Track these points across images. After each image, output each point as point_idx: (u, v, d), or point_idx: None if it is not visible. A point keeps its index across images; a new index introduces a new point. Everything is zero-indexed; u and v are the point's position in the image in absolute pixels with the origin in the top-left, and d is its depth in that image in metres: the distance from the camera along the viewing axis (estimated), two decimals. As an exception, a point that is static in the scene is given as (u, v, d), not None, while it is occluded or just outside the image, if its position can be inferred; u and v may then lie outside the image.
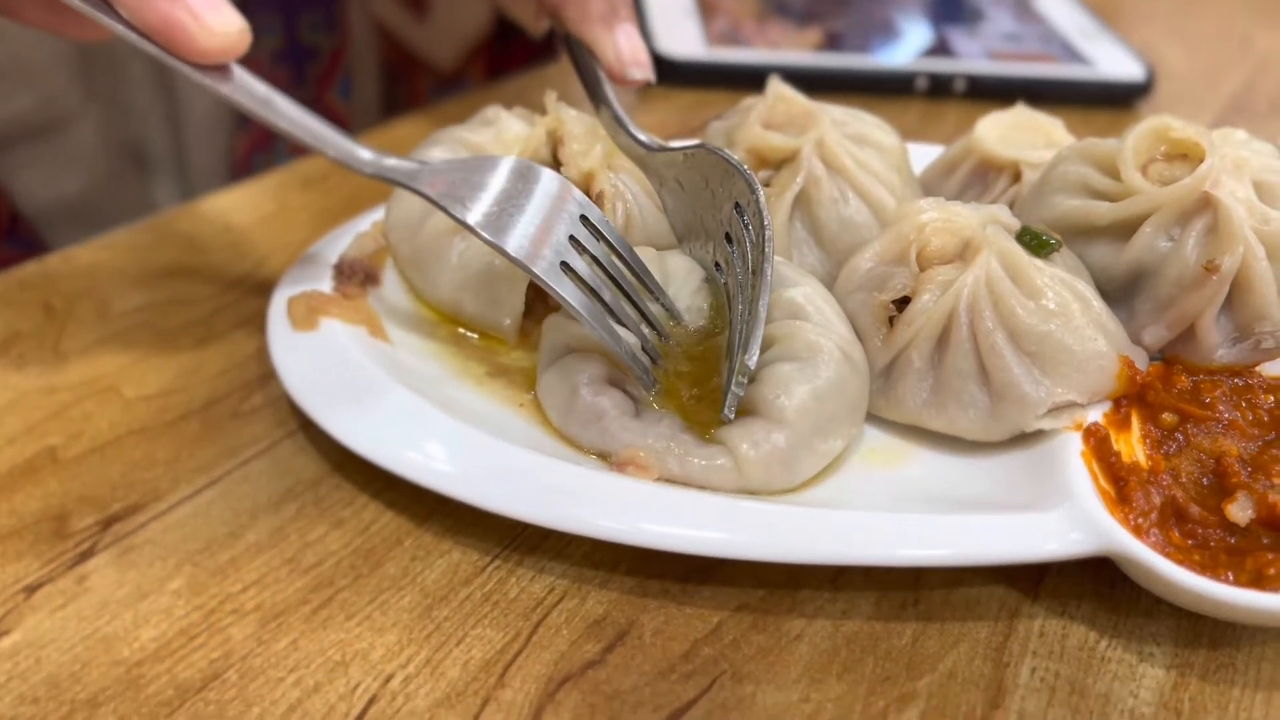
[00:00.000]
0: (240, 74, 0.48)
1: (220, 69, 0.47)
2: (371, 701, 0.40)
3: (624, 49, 0.57)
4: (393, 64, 1.02)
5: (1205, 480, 0.47)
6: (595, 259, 0.49)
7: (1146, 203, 0.51)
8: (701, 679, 0.41)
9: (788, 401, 0.46)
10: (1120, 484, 0.46)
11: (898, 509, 0.46)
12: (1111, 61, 0.96)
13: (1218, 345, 0.50)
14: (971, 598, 0.46)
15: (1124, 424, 0.49)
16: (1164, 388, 0.50)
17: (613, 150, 0.56)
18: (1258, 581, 0.41)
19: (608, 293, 0.49)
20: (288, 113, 0.49)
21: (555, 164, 0.56)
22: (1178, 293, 0.50)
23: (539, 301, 0.55)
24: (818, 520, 0.44)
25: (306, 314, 0.52)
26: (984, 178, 0.62)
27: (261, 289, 0.61)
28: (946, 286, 0.50)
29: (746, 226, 0.48)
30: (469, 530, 0.47)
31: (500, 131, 0.58)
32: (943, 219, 0.52)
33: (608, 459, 0.47)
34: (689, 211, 0.54)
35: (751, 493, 0.46)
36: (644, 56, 0.58)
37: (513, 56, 1.05)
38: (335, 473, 0.50)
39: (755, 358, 0.44)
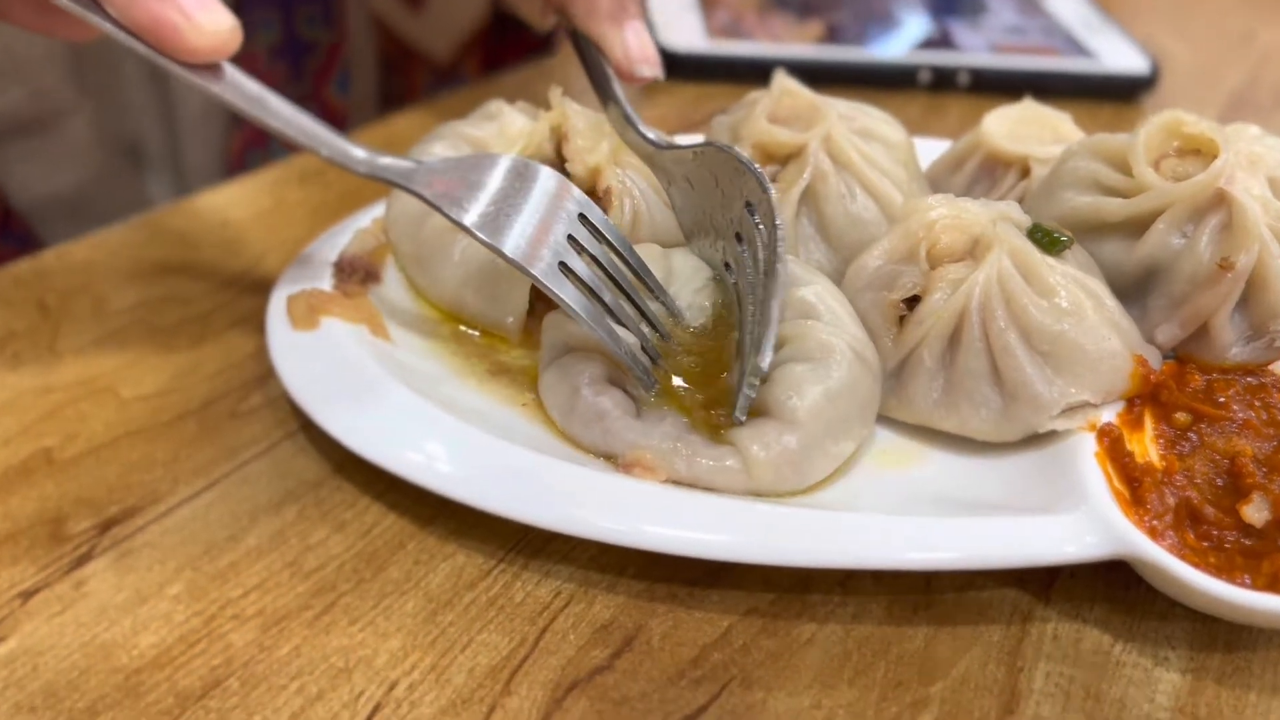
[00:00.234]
0: (232, 73, 0.47)
1: (211, 68, 0.47)
2: (376, 709, 0.39)
3: (633, 46, 0.56)
4: (389, 57, 1.01)
5: (1219, 481, 0.46)
6: (594, 258, 0.48)
7: (1159, 199, 0.50)
8: (711, 685, 0.41)
9: (799, 402, 0.45)
10: (1134, 485, 0.45)
11: (909, 511, 0.45)
12: (1115, 55, 0.95)
13: (1231, 343, 0.50)
14: (983, 601, 0.45)
15: (1137, 424, 0.48)
16: (1177, 387, 0.49)
17: (619, 146, 0.55)
18: (1274, 584, 0.41)
19: (608, 293, 0.48)
20: (280, 111, 0.48)
21: (559, 160, 0.55)
22: (1191, 290, 0.49)
23: (542, 299, 0.54)
24: (828, 523, 0.43)
25: (307, 312, 0.51)
26: (992, 173, 0.62)
27: (259, 286, 0.60)
28: (957, 285, 0.49)
29: (757, 225, 0.48)
30: (473, 533, 0.46)
31: (503, 126, 0.57)
32: (952, 216, 0.51)
33: (613, 460, 0.47)
34: (697, 209, 0.53)
35: (760, 495, 0.45)
36: (653, 53, 0.57)
37: (509, 50, 1.04)
38: (336, 474, 0.49)
39: (768, 359, 0.43)
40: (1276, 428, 0.48)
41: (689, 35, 0.94)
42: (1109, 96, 0.93)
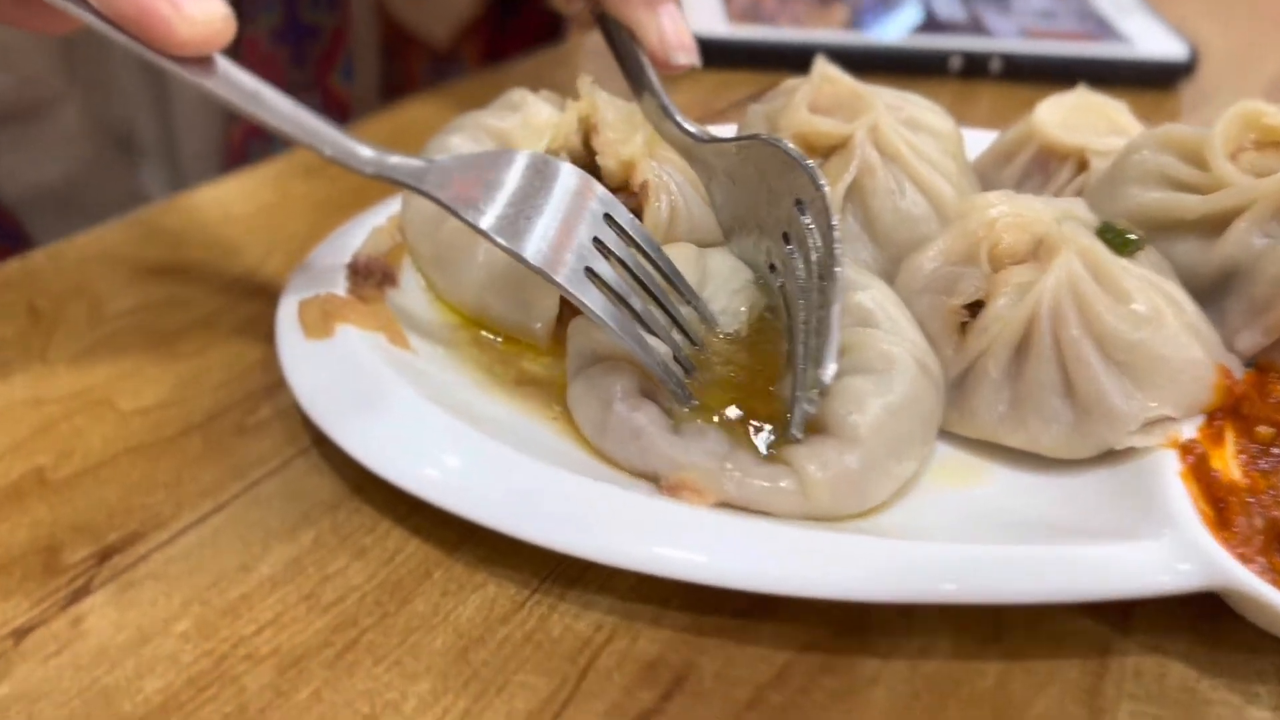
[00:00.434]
0: (225, 66, 0.44)
1: (202, 61, 0.43)
2: (406, 762, 0.36)
3: (668, 31, 0.52)
4: (387, 42, 0.97)
5: (1308, 500, 0.43)
6: (621, 261, 0.45)
7: (1240, 196, 0.47)
8: (771, 731, 0.37)
9: (860, 419, 0.41)
10: (1220, 506, 0.42)
11: (977, 536, 0.42)
12: (1151, 39, 0.92)
13: (1318, 351, 0.46)
14: (1057, 634, 0.41)
15: (1217, 439, 0.45)
16: (1259, 398, 0.45)
17: (654, 138, 0.51)
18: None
19: (636, 300, 0.44)
20: (279, 107, 0.45)
21: (589, 154, 0.52)
22: (1276, 294, 0.46)
23: (572, 304, 0.51)
24: (894, 552, 0.40)
25: (321, 320, 0.48)
26: (1045, 167, 0.58)
27: (265, 288, 0.57)
28: (1025, 289, 0.45)
29: (808, 225, 0.44)
30: (504, 560, 0.43)
31: (528, 117, 0.53)
32: (1014, 214, 0.48)
33: (654, 480, 0.43)
34: (740, 207, 0.50)
35: (816, 518, 0.42)
36: (689, 39, 0.53)
37: (511, 37, 1.00)
38: (355, 495, 0.46)
39: (832, 371, 0.40)
40: (1369, 443, 0.44)
41: (709, 19, 0.90)
42: (1145, 83, 0.89)
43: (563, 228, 0.44)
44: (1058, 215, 0.48)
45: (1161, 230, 0.49)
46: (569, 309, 0.51)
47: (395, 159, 0.46)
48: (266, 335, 0.51)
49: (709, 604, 0.41)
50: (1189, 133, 0.50)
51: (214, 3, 0.41)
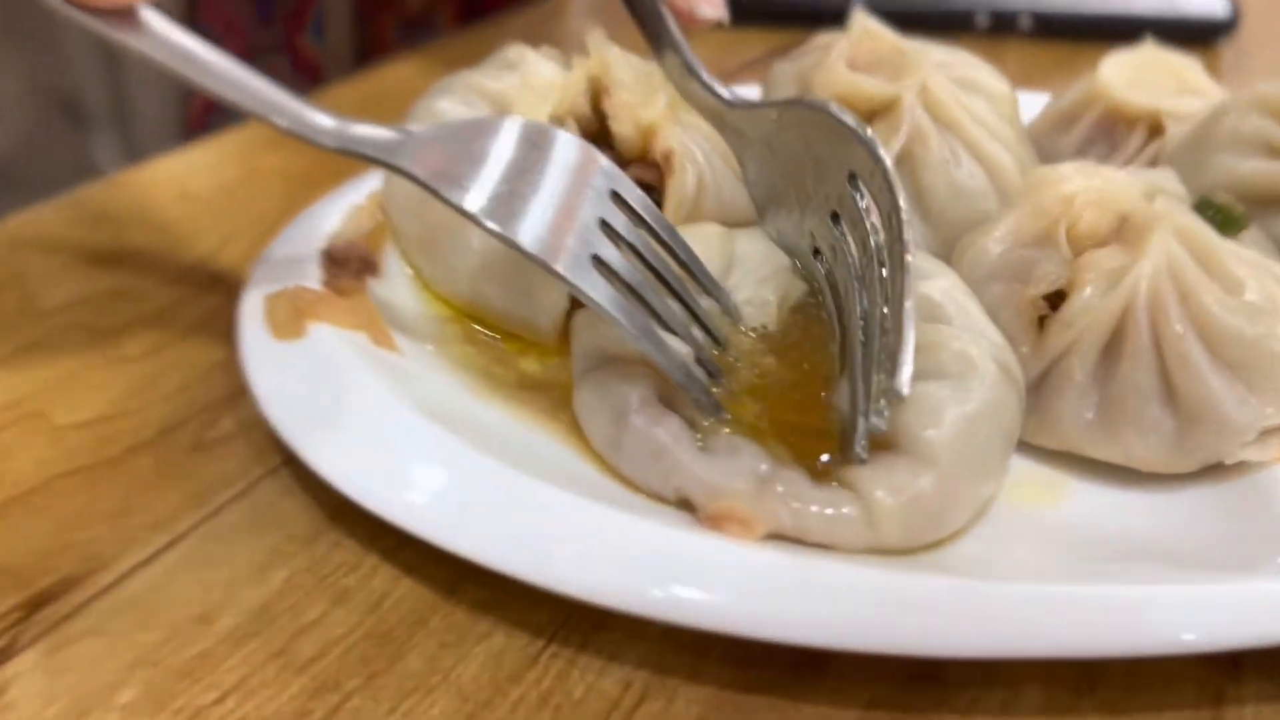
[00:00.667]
0: (154, 22, 0.39)
1: (123, 14, 0.38)
2: None
3: None
4: (356, 1, 0.90)
5: None
6: (631, 246, 0.39)
7: (1361, 164, 0.41)
8: (841, 814, 0.31)
9: (937, 433, 0.35)
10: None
11: (1070, 570, 0.36)
12: (1188, -6, 0.86)
13: None
14: (1160, 678, 0.36)
15: (1336, 449, 0.39)
16: (1381, 401, 0.39)
17: (677, 101, 0.44)
18: None
19: (651, 293, 0.39)
20: (221, 70, 0.39)
21: (599, 119, 0.45)
22: (1405, 279, 0.40)
23: (582, 295, 0.44)
24: (977, 596, 0.33)
25: (291, 317, 0.41)
26: (1111, 133, 0.52)
27: (227, 277, 0.50)
28: (1116, 277, 0.39)
29: (865, 209, 0.38)
30: (513, 603, 0.36)
31: (527, 76, 0.47)
32: (1095, 188, 0.42)
33: (685, 505, 0.37)
34: (779, 181, 0.43)
35: (883, 551, 0.36)
36: None
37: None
38: (334, 525, 0.39)
39: (908, 376, 0.33)
40: None
41: (714, -28, 0.83)
42: (1183, 41, 0.82)
43: (563, 208, 0.39)
44: (1146, 189, 0.42)
45: (1262, 205, 0.43)
46: (580, 302, 0.44)
47: (362, 129, 0.40)
48: (229, 333, 0.44)
49: (756, 655, 0.35)
50: (1293, 93, 0.44)
51: None
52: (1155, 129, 0.51)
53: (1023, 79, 0.56)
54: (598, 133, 0.46)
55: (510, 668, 0.35)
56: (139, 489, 0.40)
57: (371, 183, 0.50)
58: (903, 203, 0.36)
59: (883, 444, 0.36)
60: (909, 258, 0.35)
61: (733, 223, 0.44)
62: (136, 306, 0.50)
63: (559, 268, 0.37)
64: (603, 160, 0.41)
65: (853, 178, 0.39)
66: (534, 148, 0.40)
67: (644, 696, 0.34)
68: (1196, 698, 0.35)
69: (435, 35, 0.93)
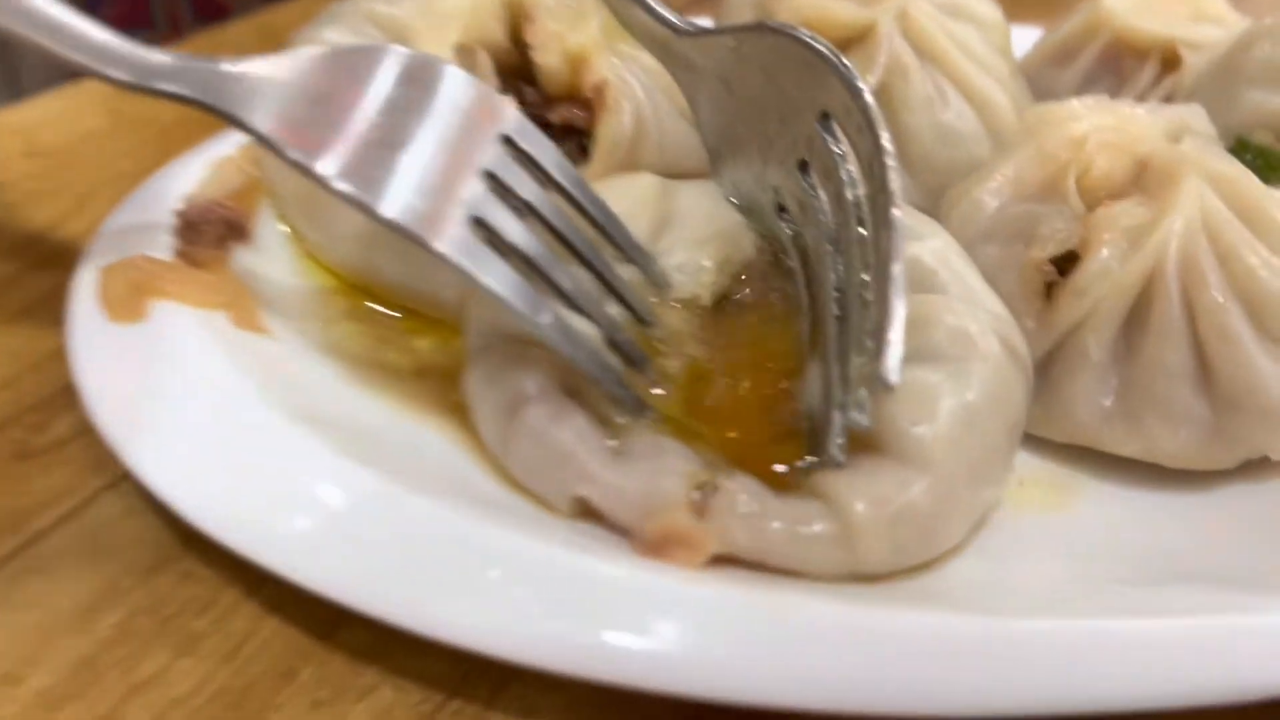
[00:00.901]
0: None
1: None
2: None
3: None
4: None
5: None
6: (530, 206, 0.33)
7: None
8: None
9: (930, 430, 0.28)
10: None
11: (1093, 598, 0.29)
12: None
13: None
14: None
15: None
16: None
17: (612, 28, 0.37)
18: None
19: (556, 266, 0.32)
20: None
21: (519, 50, 0.38)
22: None
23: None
24: (979, 636, 0.27)
25: (129, 294, 0.34)
26: (1118, 67, 0.47)
27: (72, 249, 0.43)
28: (1138, 235, 0.33)
29: (840, 155, 0.30)
30: (402, 649, 0.30)
31: (430, 1, 0.38)
32: (1110, 127, 0.35)
33: (593, 516, 0.30)
34: (737, 123, 0.36)
35: (865, 575, 0.29)
36: None
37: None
38: (185, 553, 0.32)
39: (896, 364, 0.26)
40: None
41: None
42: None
43: (447, 166, 0.32)
44: (1170, 129, 0.35)
45: (1299, 147, 0.37)
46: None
47: (172, 62, 0.32)
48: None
49: (708, 709, 0.28)
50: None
51: None
52: (1169, 61, 0.45)
53: (1014, 9, 0.49)
54: (518, 66, 0.39)
55: (400, 732, 0.28)
56: (-60, 510, 0.33)
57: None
58: (887, 144, 0.29)
59: (864, 444, 0.29)
60: (895, 212, 0.28)
61: (678, 174, 0.37)
62: (-43, 283, 0.42)
63: (438, 245, 0.30)
64: (499, 101, 0.33)
65: (825, 117, 0.32)
66: (416, 85, 0.33)
67: (567, 766, 0.28)
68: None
69: None
